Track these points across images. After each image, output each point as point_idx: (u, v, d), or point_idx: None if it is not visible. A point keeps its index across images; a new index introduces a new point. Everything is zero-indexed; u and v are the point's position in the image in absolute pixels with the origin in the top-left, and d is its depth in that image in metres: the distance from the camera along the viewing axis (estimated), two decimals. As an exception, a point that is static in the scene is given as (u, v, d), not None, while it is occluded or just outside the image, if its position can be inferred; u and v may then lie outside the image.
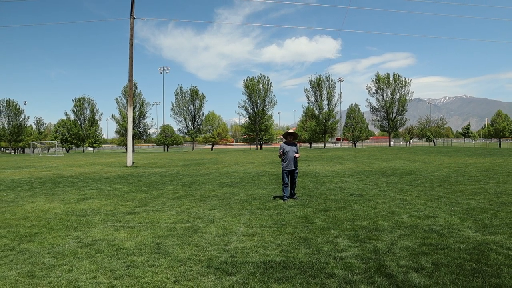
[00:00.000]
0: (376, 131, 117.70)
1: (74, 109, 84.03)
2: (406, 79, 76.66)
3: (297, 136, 9.40)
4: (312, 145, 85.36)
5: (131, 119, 25.05)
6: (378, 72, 77.84)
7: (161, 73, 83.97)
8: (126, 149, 30.44)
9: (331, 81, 75.07)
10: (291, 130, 9.25)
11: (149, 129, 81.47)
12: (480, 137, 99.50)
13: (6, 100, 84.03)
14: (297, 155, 8.83)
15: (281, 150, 8.92)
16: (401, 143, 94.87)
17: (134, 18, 24.76)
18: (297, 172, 8.96)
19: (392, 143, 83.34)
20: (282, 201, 8.61)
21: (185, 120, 78.04)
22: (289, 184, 8.83)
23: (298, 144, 9.34)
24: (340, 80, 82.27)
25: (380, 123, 79.14)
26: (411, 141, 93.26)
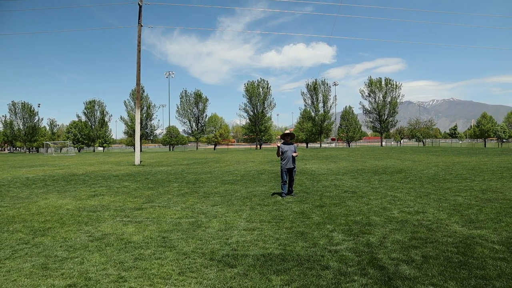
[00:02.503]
0: (369, 132, 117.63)
1: (85, 111, 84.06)
2: (397, 83, 76.70)
3: (293, 137, 9.37)
4: (309, 145, 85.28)
5: (139, 121, 25.03)
6: (370, 77, 78.03)
7: (166, 77, 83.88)
8: (134, 149, 30.45)
9: (327, 85, 75.16)
10: (287, 131, 9.22)
11: (155, 130, 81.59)
12: (466, 138, 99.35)
13: (22, 103, 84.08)
14: (294, 154, 8.79)
15: (279, 147, 8.87)
16: (392, 143, 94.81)
17: (142, 26, 24.75)
18: (295, 171, 8.95)
19: (383, 143, 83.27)
20: (280, 197, 8.60)
21: (189, 121, 78.06)
22: (287, 181, 8.81)
23: (295, 144, 9.27)
24: (335, 84, 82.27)
25: (372, 124, 79.14)
26: (401, 141, 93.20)
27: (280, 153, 8.84)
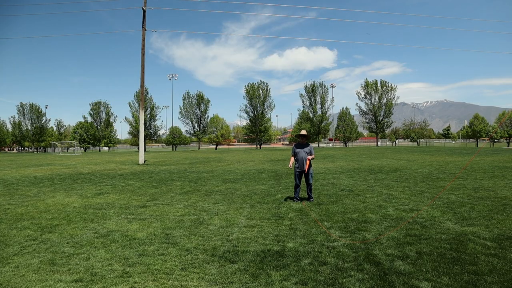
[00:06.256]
0: (365, 132, 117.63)
1: (91, 112, 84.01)
2: (392, 85, 76.56)
3: (309, 137, 8.36)
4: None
5: (143, 121, 25.03)
6: (367, 79, 77.85)
7: (170, 79, 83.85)
8: (138, 149, 30.47)
9: (324, 87, 75.04)
10: (303, 132, 7.99)
11: (159, 130, 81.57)
12: (459, 138, 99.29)
13: (30, 104, 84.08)
14: (310, 157, 7.73)
15: (292, 153, 8.01)
16: (388, 143, 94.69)
17: (146, 30, 24.75)
18: (311, 173, 7.80)
19: (379, 143, 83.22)
20: (293, 202, 7.68)
21: (191, 122, 78.06)
22: (299, 185, 7.82)
23: (311, 145, 8.08)
24: (332, 86, 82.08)
25: (368, 125, 79.07)
26: (396, 141, 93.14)
27: (293, 154, 7.96)
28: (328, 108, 75.50)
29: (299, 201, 7.73)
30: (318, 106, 75.32)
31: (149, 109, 76.12)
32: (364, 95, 77.64)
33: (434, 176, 12.39)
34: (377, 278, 3.45)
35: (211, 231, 5.37)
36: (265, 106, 73.60)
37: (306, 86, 75.18)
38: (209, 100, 77.98)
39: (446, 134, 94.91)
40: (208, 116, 79.57)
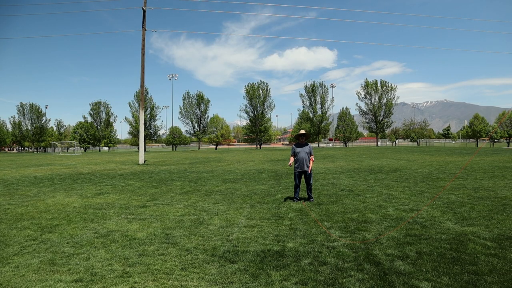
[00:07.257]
0: (365, 132, 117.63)
1: (91, 112, 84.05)
2: (392, 85, 76.59)
3: (309, 136, 8.36)
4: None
5: (143, 121, 25.04)
6: (366, 79, 77.81)
7: (170, 79, 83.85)
8: (138, 149, 30.46)
9: (324, 87, 75.03)
10: (302, 131, 8.03)
11: (159, 130, 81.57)
12: (459, 138, 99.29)
13: (30, 104, 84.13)
14: (311, 162, 7.76)
15: (292, 153, 7.94)
16: (388, 143, 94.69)
17: (146, 30, 24.76)
18: (310, 174, 7.79)
19: (379, 143, 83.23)
20: (292, 202, 7.68)
21: (191, 122, 78.09)
22: (299, 185, 7.84)
23: (310, 145, 8.00)
24: (332, 86, 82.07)
25: (368, 125, 79.09)
26: (396, 141, 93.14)
27: (293, 154, 7.92)
28: (328, 108, 75.57)
29: (299, 201, 7.72)
30: (318, 106, 75.39)
31: (149, 109, 76.12)
32: (364, 95, 77.66)
33: (434, 176, 12.38)
34: (377, 278, 3.44)
35: (211, 231, 5.37)
36: (265, 106, 73.67)
37: (306, 86, 75.22)
38: (209, 100, 78.07)
39: (446, 134, 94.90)
40: (208, 116, 79.69)
